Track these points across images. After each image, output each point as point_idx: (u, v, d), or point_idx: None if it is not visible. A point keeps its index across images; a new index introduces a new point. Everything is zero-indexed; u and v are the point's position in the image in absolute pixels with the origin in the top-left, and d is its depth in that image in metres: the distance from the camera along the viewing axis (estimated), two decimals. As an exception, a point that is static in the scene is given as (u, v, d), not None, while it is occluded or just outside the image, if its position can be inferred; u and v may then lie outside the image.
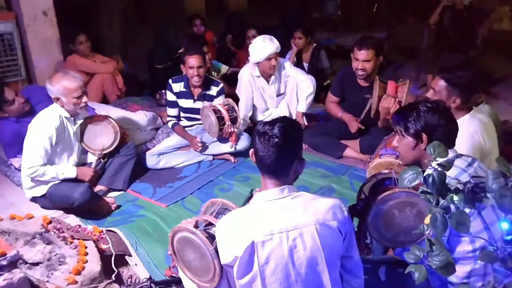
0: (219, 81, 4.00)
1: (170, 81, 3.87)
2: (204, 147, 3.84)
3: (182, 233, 1.79)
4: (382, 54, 3.68)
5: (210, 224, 1.79)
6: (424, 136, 1.85)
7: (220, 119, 3.64)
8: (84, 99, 3.08)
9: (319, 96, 4.65)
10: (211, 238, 1.70)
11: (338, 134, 3.97)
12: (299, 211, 1.58)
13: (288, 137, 1.61)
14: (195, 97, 3.85)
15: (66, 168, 3.15)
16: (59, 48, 4.81)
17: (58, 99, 3.03)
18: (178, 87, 3.85)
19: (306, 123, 4.19)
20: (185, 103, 3.89)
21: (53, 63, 4.74)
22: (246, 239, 1.54)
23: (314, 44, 5.16)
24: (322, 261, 1.57)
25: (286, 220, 1.56)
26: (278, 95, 4.24)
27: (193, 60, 3.67)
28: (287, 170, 1.65)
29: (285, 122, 1.64)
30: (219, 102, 3.81)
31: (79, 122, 3.24)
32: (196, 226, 1.79)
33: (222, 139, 3.86)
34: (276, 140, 1.58)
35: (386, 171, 2.03)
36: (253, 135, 1.68)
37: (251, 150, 1.70)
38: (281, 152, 1.59)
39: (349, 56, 3.75)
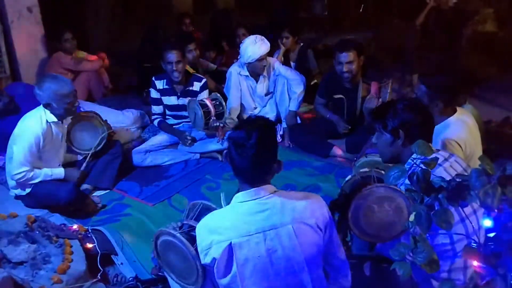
0: (201, 76, 3.99)
1: (153, 78, 3.85)
2: (194, 141, 3.82)
3: (164, 236, 1.80)
4: (363, 53, 3.73)
5: (192, 226, 1.79)
6: (401, 132, 1.91)
7: (206, 113, 3.62)
8: (76, 103, 3.02)
9: (305, 95, 4.66)
10: (193, 240, 1.71)
11: (324, 133, 4.00)
12: (276, 211, 1.58)
13: (265, 144, 1.59)
14: (178, 94, 3.84)
15: (54, 170, 3.10)
16: (44, 45, 4.76)
17: (48, 105, 2.92)
18: (161, 84, 3.84)
19: (299, 122, 4.21)
20: (169, 100, 3.87)
21: (38, 60, 4.68)
22: (223, 241, 1.55)
23: (301, 44, 5.18)
24: (301, 260, 1.57)
25: (263, 221, 1.57)
26: (267, 94, 4.25)
27: (171, 56, 3.63)
28: (264, 175, 1.64)
29: (260, 129, 1.59)
30: (205, 96, 3.79)
31: (67, 124, 3.19)
32: (180, 229, 1.79)
33: (209, 135, 3.85)
34: (254, 151, 1.56)
35: (366, 169, 2.06)
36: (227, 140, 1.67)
37: (225, 152, 1.69)
38: (259, 162, 1.59)
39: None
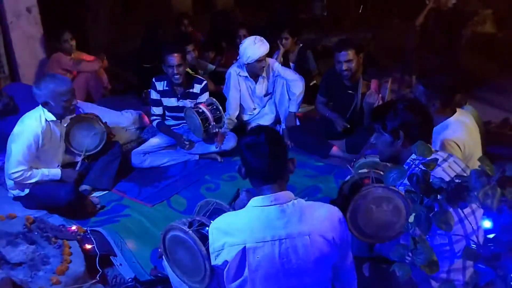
0: (202, 78, 3.98)
1: (154, 79, 3.84)
2: (191, 144, 3.82)
3: (175, 231, 1.78)
4: (362, 51, 3.74)
5: (204, 224, 1.78)
6: (401, 133, 1.92)
7: (204, 120, 3.60)
8: (74, 101, 3.02)
9: (305, 96, 4.66)
10: (204, 238, 1.69)
11: (324, 134, 4.00)
12: (294, 220, 1.57)
13: (275, 141, 1.63)
14: (179, 96, 3.83)
15: (51, 170, 3.10)
16: (43, 45, 4.75)
17: (46, 103, 2.93)
18: (161, 85, 3.82)
19: (298, 123, 4.21)
20: (169, 102, 3.86)
21: (37, 61, 4.67)
22: (237, 244, 1.54)
23: (300, 45, 5.18)
24: (313, 271, 1.57)
25: (279, 228, 1.55)
26: (266, 95, 4.26)
27: (172, 59, 3.62)
28: (283, 172, 1.65)
29: (265, 129, 1.67)
30: (202, 100, 3.78)
31: (66, 123, 3.19)
32: (190, 226, 1.78)
33: (208, 142, 3.83)
34: (267, 149, 1.59)
35: (365, 170, 2.06)
36: (238, 150, 1.70)
37: (238, 167, 1.69)
38: (275, 157, 1.61)
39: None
